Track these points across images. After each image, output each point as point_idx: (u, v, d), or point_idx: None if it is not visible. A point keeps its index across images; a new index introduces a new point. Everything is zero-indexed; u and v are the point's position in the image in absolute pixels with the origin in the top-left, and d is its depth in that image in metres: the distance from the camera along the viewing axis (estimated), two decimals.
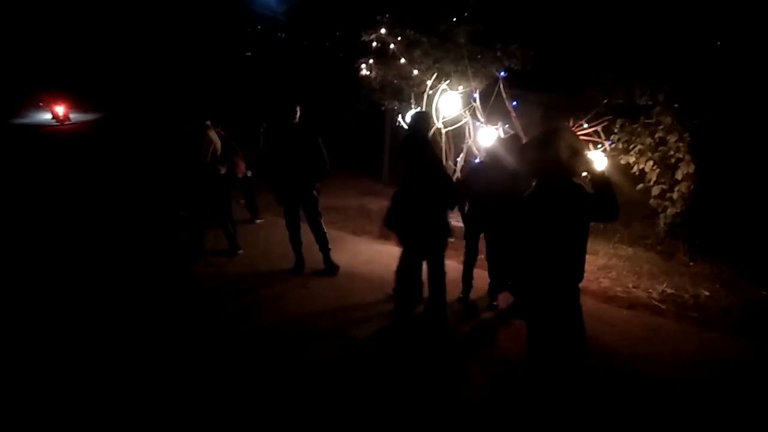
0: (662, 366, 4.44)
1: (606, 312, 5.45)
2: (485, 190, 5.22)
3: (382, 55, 8.05)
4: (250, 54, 21.64)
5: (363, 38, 8.04)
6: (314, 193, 6.11)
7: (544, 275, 3.32)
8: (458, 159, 8.07)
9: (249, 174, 7.82)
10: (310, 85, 15.12)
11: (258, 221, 8.38)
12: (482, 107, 7.68)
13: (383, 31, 7.82)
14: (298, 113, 5.95)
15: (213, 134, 6.50)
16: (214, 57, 20.64)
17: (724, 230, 7.07)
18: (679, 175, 6.79)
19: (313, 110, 6.44)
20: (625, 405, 3.92)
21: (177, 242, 7.24)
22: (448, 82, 7.58)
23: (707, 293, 5.95)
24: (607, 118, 7.19)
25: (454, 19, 7.47)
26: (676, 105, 6.74)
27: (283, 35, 20.61)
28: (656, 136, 6.89)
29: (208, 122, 6.56)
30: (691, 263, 6.86)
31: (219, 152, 6.58)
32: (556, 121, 7.31)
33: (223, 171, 6.65)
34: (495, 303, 5.56)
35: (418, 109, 7.67)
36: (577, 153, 3.22)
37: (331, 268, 6.37)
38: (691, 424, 3.76)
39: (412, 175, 4.87)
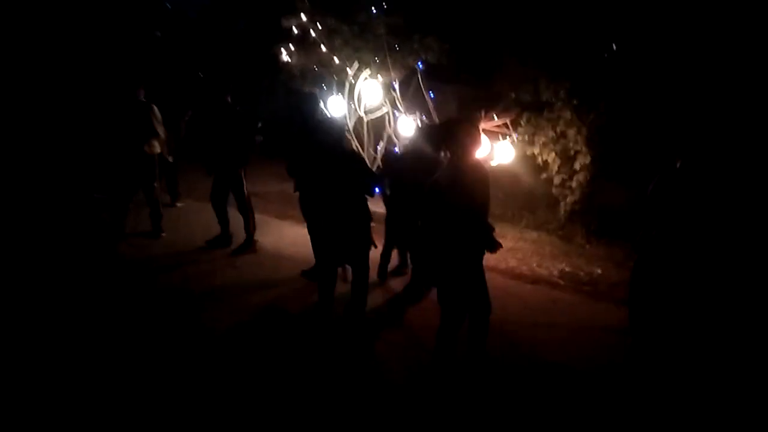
0: (560, 331, 5.05)
1: (513, 287, 6.03)
2: (408, 175, 5.56)
3: (303, 42, 8.21)
4: (159, 34, 20.84)
5: (283, 24, 8.15)
6: (242, 173, 6.29)
7: (463, 244, 3.76)
8: (378, 147, 8.40)
9: (170, 159, 7.84)
10: (222, 70, 14.86)
11: (179, 205, 8.36)
12: (402, 97, 8.05)
13: (303, 17, 7.96)
14: (230, 97, 6.10)
15: (157, 112, 6.49)
16: (119, 35, 19.68)
17: (618, 215, 7.82)
18: (577, 166, 7.43)
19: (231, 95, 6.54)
20: (529, 365, 4.43)
21: (96, 225, 7.12)
22: (368, 71, 7.86)
23: (599, 271, 6.63)
24: (515, 111, 7.77)
25: (374, 10, 7.77)
26: (575, 101, 7.38)
27: (195, 16, 20.01)
28: (558, 129, 7.44)
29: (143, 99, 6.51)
30: (587, 246, 7.56)
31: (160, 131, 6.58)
32: (470, 113, 7.83)
33: (158, 150, 6.63)
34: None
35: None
36: (476, 141, 3.86)
37: (249, 241, 6.57)
38: (584, 376, 4.29)
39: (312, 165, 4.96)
